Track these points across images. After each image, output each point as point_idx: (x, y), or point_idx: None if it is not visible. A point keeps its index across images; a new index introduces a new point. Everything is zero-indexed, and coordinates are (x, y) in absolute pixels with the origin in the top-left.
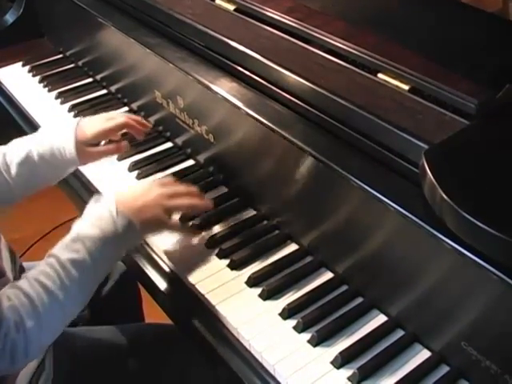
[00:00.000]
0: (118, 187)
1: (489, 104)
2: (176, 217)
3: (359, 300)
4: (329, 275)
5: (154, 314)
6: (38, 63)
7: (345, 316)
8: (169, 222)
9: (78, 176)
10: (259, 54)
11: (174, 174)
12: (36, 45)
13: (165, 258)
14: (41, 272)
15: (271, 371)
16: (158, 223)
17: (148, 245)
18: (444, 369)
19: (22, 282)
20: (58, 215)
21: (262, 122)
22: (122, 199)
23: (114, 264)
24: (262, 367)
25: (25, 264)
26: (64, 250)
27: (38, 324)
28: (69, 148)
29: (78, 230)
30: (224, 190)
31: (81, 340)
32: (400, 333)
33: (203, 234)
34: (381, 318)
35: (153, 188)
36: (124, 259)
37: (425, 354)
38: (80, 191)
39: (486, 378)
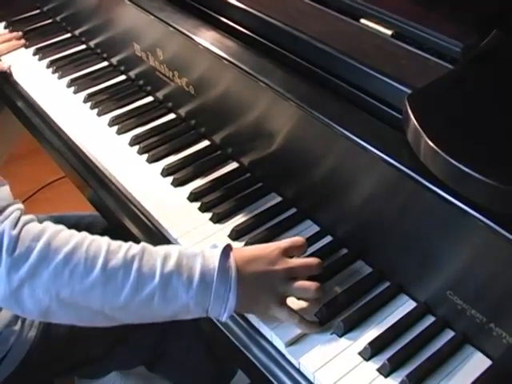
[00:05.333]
0: None
1: (475, 49)
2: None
3: (344, 251)
4: (313, 227)
5: None
6: (14, 19)
7: (329, 268)
8: (282, 310)
9: (59, 135)
10: (237, 1)
11: (155, 128)
12: (12, 0)
13: (147, 212)
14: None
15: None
16: (263, 302)
17: (131, 201)
18: (430, 319)
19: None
20: (41, 177)
21: (242, 71)
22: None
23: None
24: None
25: None
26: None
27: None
28: None
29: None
30: (206, 143)
31: None
32: (385, 284)
33: (189, 188)
34: (366, 269)
35: (275, 250)
36: (107, 216)
37: (410, 304)
38: (62, 150)
39: (472, 327)
